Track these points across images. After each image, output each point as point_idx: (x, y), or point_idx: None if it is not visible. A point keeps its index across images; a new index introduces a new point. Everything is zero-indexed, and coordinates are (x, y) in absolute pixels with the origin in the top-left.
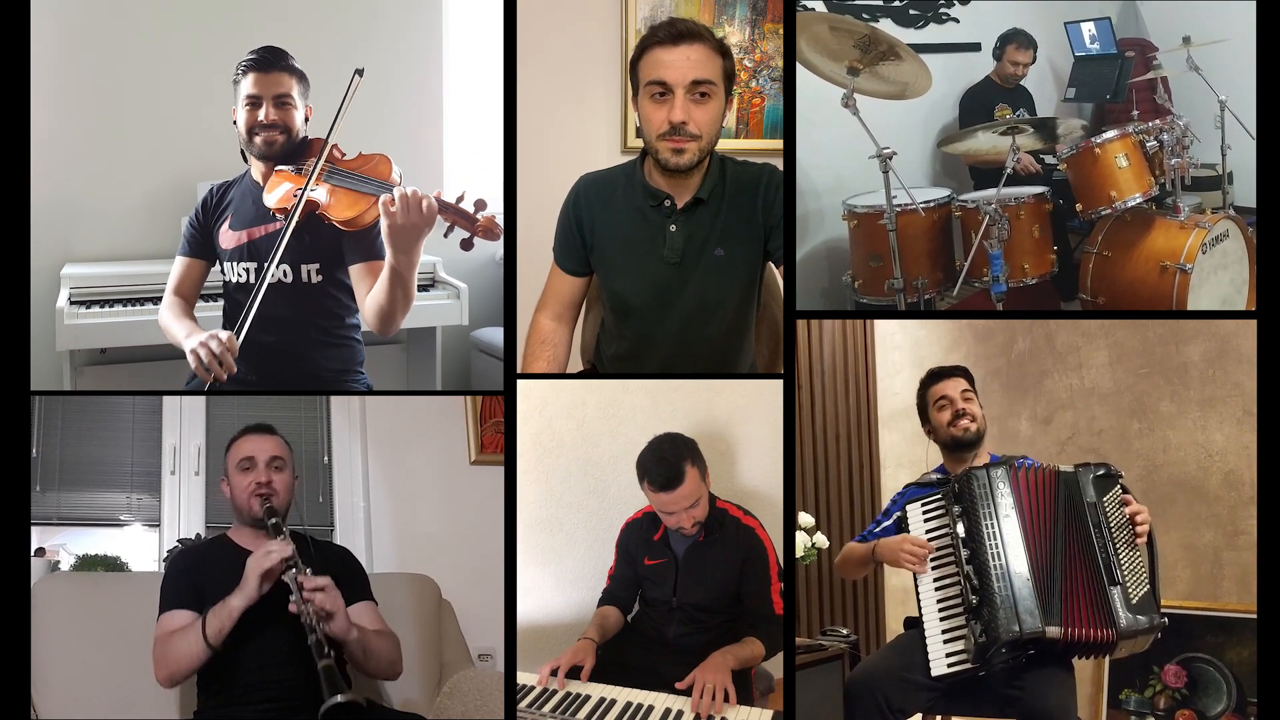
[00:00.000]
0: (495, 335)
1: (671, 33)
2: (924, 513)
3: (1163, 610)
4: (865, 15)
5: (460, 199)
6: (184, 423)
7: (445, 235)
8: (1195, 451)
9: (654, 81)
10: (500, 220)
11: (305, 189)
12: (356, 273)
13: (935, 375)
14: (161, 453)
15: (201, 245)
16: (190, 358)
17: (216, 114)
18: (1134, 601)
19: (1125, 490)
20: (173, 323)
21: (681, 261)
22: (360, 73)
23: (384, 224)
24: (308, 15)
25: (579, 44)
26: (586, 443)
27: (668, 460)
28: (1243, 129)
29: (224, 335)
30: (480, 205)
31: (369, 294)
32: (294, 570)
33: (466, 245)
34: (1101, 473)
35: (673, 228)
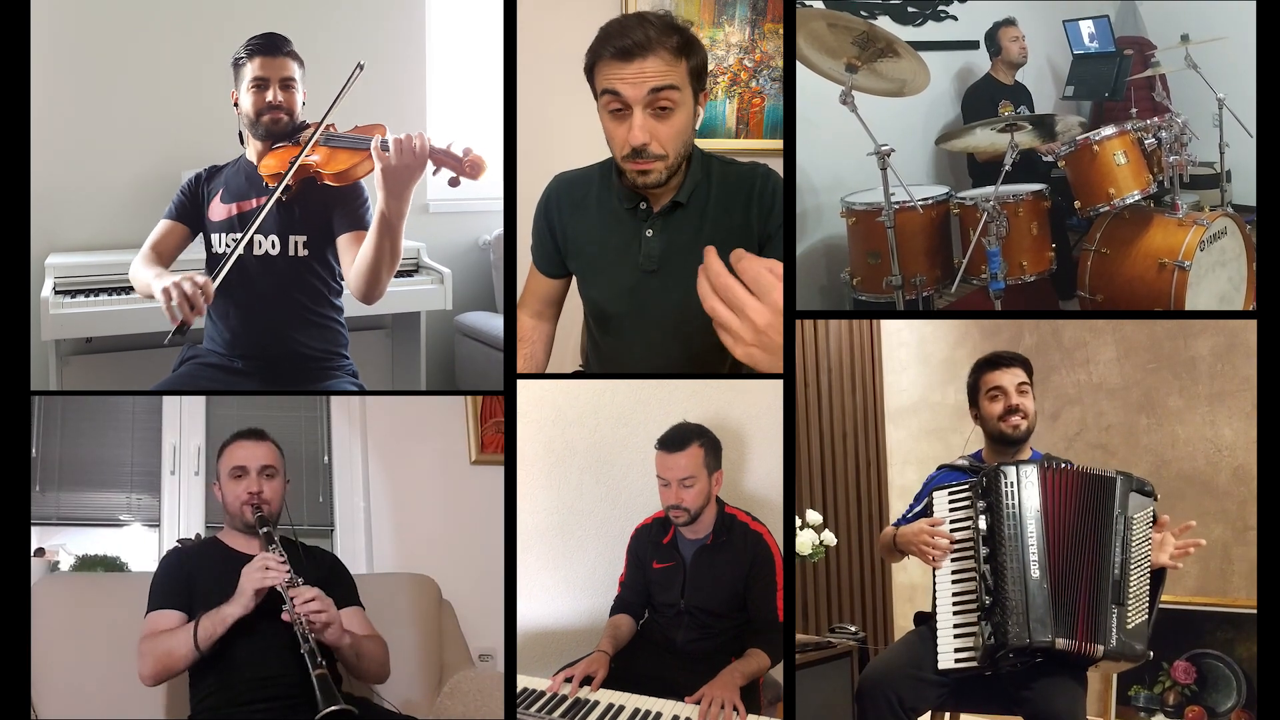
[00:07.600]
0: (479, 320)
1: (620, 48)
2: (950, 501)
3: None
4: (864, 12)
5: (449, 147)
6: (184, 422)
7: (434, 173)
8: (1204, 446)
9: (608, 91)
10: (485, 160)
11: (301, 154)
12: (344, 242)
13: (992, 362)
14: (161, 452)
15: (188, 212)
16: (160, 296)
17: (202, 102)
18: (1129, 627)
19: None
20: (143, 269)
21: (660, 269)
22: (361, 66)
23: (378, 167)
24: (295, 4)
25: (578, 42)
26: (597, 449)
27: (680, 429)
28: (1241, 127)
29: (199, 278)
30: (467, 151)
31: (355, 257)
32: (288, 579)
33: (454, 183)
34: (1146, 488)
35: (649, 233)
